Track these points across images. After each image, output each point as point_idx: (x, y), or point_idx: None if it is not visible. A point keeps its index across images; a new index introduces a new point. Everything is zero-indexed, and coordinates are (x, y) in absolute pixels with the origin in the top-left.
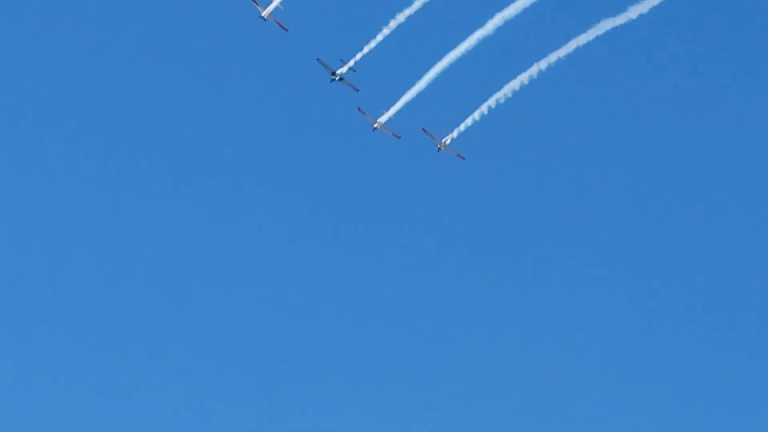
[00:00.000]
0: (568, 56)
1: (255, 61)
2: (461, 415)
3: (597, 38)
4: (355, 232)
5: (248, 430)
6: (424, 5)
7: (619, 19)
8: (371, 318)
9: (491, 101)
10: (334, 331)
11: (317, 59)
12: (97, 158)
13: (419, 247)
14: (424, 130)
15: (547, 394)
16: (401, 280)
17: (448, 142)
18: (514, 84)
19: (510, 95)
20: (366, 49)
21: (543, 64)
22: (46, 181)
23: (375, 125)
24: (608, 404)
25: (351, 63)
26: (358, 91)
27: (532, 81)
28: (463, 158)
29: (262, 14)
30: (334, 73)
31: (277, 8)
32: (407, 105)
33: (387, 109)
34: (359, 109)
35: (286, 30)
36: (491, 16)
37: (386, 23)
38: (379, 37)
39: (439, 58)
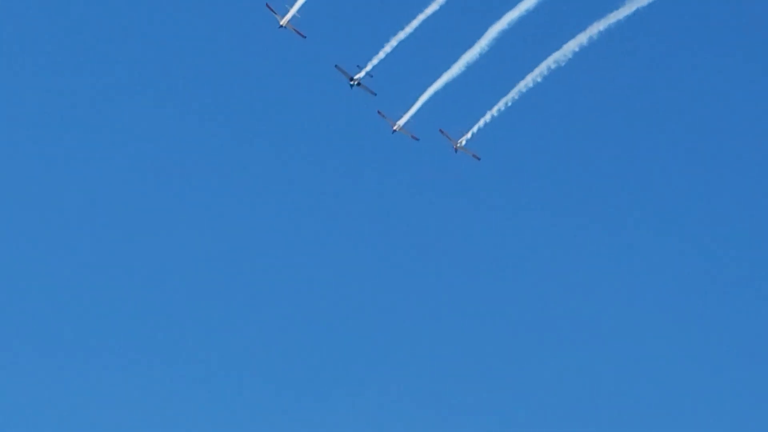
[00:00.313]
0: (577, 54)
1: (276, 70)
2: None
3: (607, 32)
4: (377, 232)
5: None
6: (430, 15)
7: (625, 11)
8: (388, 317)
9: (504, 101)
10: (355, 332)
11: (335, 66)
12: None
13: (441, 245)
14: (441, 131)
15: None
16: (424, 277)
17: (464, 142)
18: (526, 83)
19: (524, 92)
20: (381, 54)
21: (552, 62)
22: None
23: (394, 128)
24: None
25: (368, 68)
26: (375, 95)
27: (543, 79)
28: (479, 159)
29: (281, 23)
30: (352, 79)
31: (294, 16)
32: (424, 106)
33: (405, 112)
34: (379, 113)
35: (305, 37)
36: (500, 17)
37: (401, 27)
38: (394, 42)
39: (455, 59)
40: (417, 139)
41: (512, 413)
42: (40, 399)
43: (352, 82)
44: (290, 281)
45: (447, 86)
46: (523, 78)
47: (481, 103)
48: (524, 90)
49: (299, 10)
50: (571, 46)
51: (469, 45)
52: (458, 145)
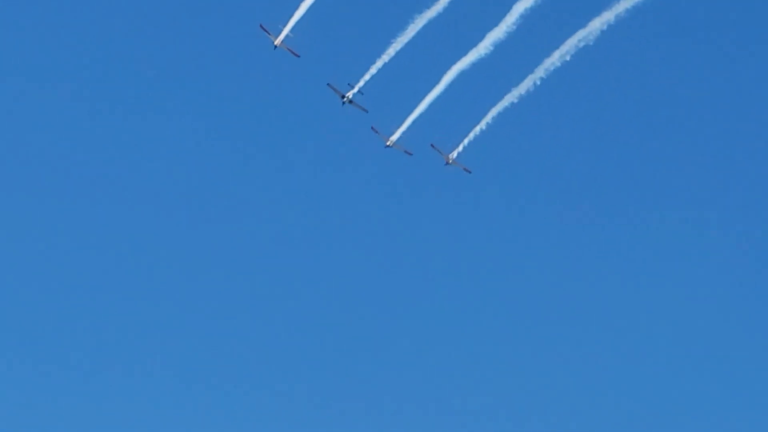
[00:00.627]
0: (565, 65)
1: (271, 89)
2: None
3: (593, 42)
4: (374, 244)
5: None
6: (418, 32)
7: (610, 15)
8: (379, 327)
9: (490, 115)
10: (345, 340)
11: (328, 84)
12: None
13: (436, 255)
14: (432, 145)
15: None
16: (421, 287)
17: (455, 156)
18: (512, 96)
19: (509, 105)
20: (374, 69)
21: (538, 75)
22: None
23: (388, 143)
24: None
25: (359, 86)
26: (367, 112)
27: (528, 92)
28: (470, 172)
29: (275, 43)
30: (344, 96)
31: (288, 36)
32: (416, 121)
33: (397, 128)
34: (373, 129)
35: (298, 56)
36: (484, 35)
37: (390, 43)
38: (386, 57)
39: (443, 73)
40: (410, 154)
41: (512, 414)
42: (41, 399)
43: (344, 100)
44: (286, 291)
45: (438, 100)
46: (509, 91)
47: (470, 117)
48: (514, 101)
49: (292, 30)
50: (558, 56)
51: (455, 61)
52: (449, 159)
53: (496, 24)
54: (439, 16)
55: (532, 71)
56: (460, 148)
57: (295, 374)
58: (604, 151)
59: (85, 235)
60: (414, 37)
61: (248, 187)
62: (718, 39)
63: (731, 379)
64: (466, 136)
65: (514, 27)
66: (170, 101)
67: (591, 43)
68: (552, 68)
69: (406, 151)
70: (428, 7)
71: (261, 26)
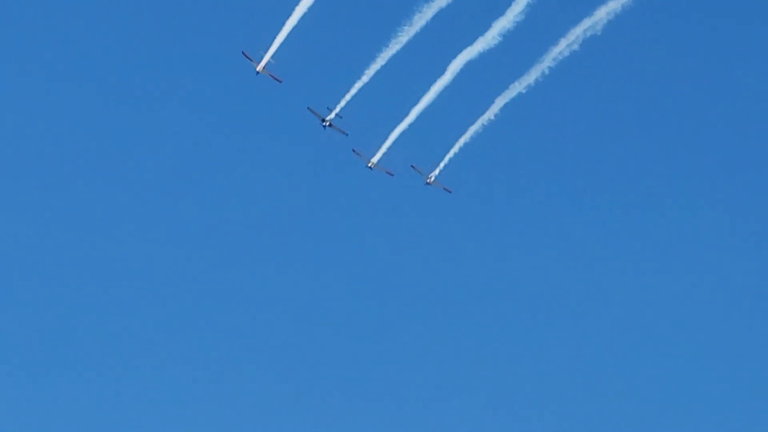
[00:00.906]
0: (538, 83)
1: (253, 113)
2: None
3: (572, 58)
4: (361, 265)
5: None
6: (394, 54)
7: (586, 25)
8: (359, 348)
9: (467, 135)
10: (321, 365)
11: (308, 108)
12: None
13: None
14: (412, 166)
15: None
16: (403, 306)
17: (435, 176)
18: (488, 115)
19: (486, 125)
20: (349, 94)
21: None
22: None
23: (369, 164)
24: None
25: (337, 109)
26: (347, 135)
27: (498, 114)
28: (450, 192)
29: (257, 69)
30: (323, 120)
31: (269, 62)
32: (396, 143)
33: (378, 149)
34: (354, 151)
35: (280, 81)
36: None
37: (368, 66)
38: (365, 79)
39: (421, 95)
40: (392, 174)
41: (512, 416)
42: (40, 399)
43: (324, 123)
44: (268, 318)
45: (417, 121)
46: (485, 111)
47: (447, 138)
48: (489, 120)
49: (273, 56)
50: (532, 75)
51: (431, 82)
52: (429, 179)
53: (471, 43)
54: (417, 36)
55: (517, 80)
56: (438, 170)
57: (295, 374)
58: (579, 166)
59: (81, 233)
60: (392, 58)
61: (235, 210)
62: (723, 29)
63: (731, 379)
64: (443, 157)
65: (495, 42)
66: (153, 126)
67: (571, 58)
68: (533, 83)
69: (387, 172)
70: (409, 24)
71: (243, 53)
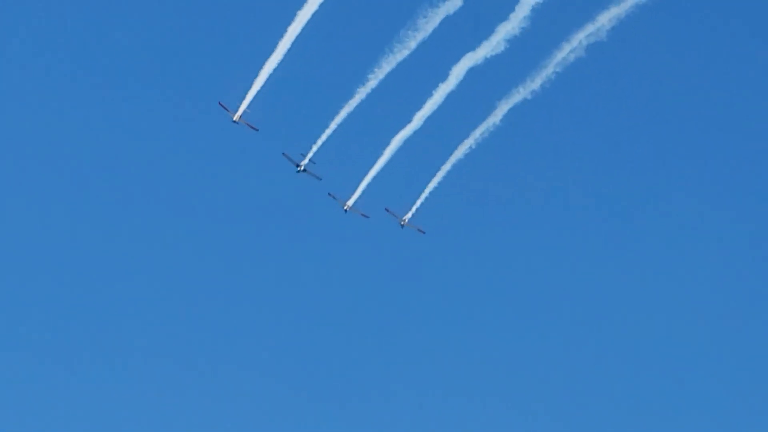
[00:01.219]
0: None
1: (230, 162)
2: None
3: (545, 89)
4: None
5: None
6: (362, 100)
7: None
8: (333, 397)
9: (439, 175)
10: (300, 398)
11: (283, 153)
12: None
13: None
14: (386, 209)
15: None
16: (385, 345)
17: (408, 218)
18: (491, 120)
19: (456, 163)
20: (321, 140)
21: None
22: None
23: (345, 207)
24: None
25: (309, 155)
26: (321, 179)
27: (471, 150)
28: (424, 233)
29: (234, 118)
30: (298, 165)
31: (245, 111)
32: (369, 187)
33: (353, 192)
34: (330, 195)
35: (257, 130)
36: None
37: (337, 112)
38: (334, 124)
39: (392, 136)
40: (367, 217)
41: (512, 416)
42: (41, 400)
43: (298, 169)
44: (246, 361)
45: (390, 163)
46: (458, 146)
47: (419, 179)
48: (460, 157)
49: (249, 106)
50: (537, 81)
51: (403, 125)
52: (403, 221)
53: (443, 80)
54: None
55: (491, 113)
56: (411, 212)
57: (294, 375)
58: (552, 200)
59: (81, 233)
60: (358, 106)
61: (212, 258)
62: (729, 34)
63: (731, 379)
64: (417, 199)
65: (501, 49)
66: (129, 181)
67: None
68: (539, 88)
69: (362, 214)
70: (379, 67)
71: (219, 103)
